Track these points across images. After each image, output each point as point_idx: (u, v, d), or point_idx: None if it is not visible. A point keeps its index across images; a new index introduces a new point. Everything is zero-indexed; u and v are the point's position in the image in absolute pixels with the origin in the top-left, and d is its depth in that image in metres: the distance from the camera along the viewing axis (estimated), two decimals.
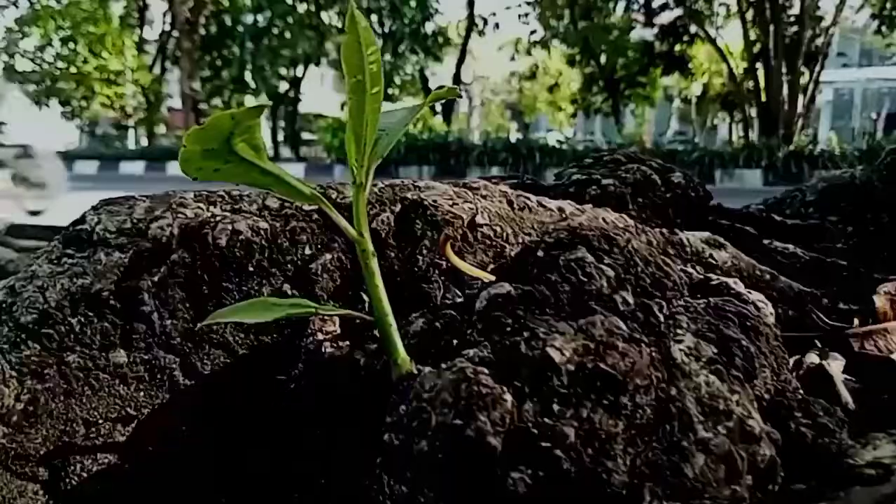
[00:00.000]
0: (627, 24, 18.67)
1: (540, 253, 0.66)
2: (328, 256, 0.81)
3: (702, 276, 0.81)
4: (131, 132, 21.27)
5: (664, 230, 1.12)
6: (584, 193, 1.19)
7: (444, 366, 0.54)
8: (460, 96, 0.63)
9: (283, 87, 20.39)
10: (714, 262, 1.11)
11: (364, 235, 0.59)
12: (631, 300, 0.63)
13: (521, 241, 0.93)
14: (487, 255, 0.86)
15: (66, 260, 0.77)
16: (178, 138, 20.42)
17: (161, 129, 21.06)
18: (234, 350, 0.78)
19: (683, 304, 0.68)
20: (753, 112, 16.69)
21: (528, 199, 1.00)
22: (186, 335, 0.77)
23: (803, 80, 15.01)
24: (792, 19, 14.96)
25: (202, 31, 19.48)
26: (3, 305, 0.74)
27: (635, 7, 18.04)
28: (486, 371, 0.52)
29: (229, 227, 0.79)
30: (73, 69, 17.88)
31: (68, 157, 17.29)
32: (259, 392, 0.76)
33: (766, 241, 1.33)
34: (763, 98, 15.42)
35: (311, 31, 19.38)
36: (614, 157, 1.27)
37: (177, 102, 21.12)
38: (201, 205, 0.82)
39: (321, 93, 27.03)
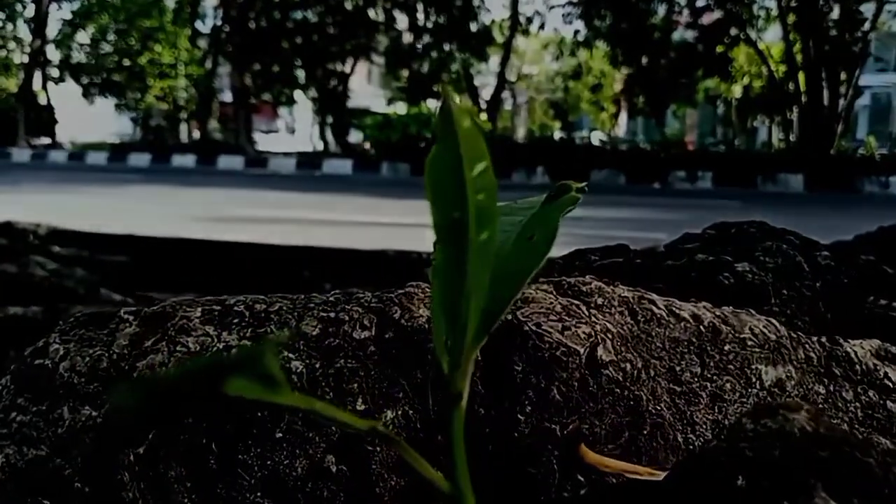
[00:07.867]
0: (668, 26, 18.15)
1: (740, 482, 0.41)
2: (389, 414, 0.57)
3: None
4: (183, 125, 21.41)
5: (823, 340, 0.85)
6: (714, 281, 0.92)
7: None
8: (585, 191, 0.36)
9: (332, 82, 20.33)
10: (890, 383, 0.84)
11: (463, 488, 0.34)
12: None
13: (652, 374, 0.67)
14: (618, 411, 0.60)
15: (14, 415, 0.53)
16: (230, 131, 20.56)
17: (213, 123, 21.21)
18: None
19: None
20: (793, 115, 16.19)
21: (655, 304, 0.74)
22: None
23: (842, 84, 14.67)
24: (831, 24, 14.61)
25: (252, 26, 19.53)
26: None
27: (677, 9, 17.55)
28: None
29: None
30: (126, 62, 18.09)
31: (122, 150, 17.51)
32: None
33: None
34: (804, 101, 15.06)
35: (359, 28, 19.29)
36: (746, 230, 0.99)
37: (228, 96, 21.24)
38: (210, 329, 0.58)
39: (368, 89, 26.99)
